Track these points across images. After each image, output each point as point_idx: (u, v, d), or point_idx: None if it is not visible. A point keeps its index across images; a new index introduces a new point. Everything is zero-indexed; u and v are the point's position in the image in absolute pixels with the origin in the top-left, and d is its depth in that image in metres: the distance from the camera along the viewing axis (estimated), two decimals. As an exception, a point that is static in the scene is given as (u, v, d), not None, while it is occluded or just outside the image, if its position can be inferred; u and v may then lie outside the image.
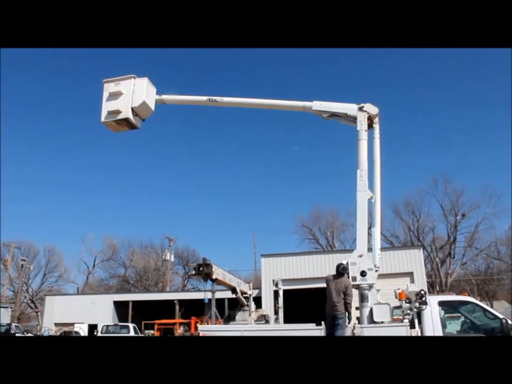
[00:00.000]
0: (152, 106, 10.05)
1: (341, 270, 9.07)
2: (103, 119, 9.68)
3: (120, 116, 9.55)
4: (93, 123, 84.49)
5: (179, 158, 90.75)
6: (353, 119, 9.94)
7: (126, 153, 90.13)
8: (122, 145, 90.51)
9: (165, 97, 10.45)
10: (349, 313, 8.95)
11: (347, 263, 9.09)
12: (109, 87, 9.73)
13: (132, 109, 9.59)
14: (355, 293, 9.18)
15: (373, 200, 9.60)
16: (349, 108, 9.97)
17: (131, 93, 9.60)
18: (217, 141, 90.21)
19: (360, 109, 9.85)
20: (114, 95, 9.62)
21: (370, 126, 9.96)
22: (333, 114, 10.18)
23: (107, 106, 9.66)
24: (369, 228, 9.72)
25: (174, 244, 51.37)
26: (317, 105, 10.16)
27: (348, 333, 8.79)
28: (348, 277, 9.03)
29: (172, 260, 50.56)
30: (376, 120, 10.03)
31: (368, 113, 9.83)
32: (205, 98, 10.65)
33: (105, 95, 9.72)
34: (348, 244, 49.20)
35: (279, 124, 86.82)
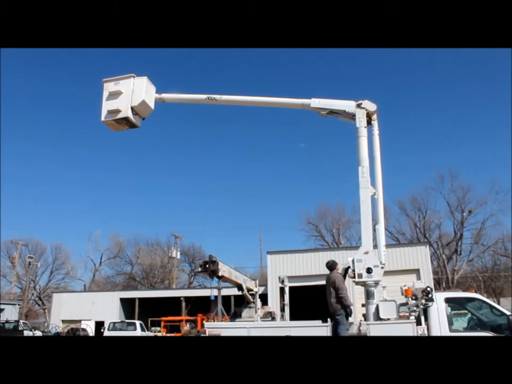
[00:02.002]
0: (152, 105, 10.08)
1: (328, 268, 9.19)
2: (103, 118, 9.73)
3: (120, 115, 9.58)
4: (98, 121, 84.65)
5: (185, 155, 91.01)
6: (352, 116, 9.91)
7: (133, 151, 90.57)
8: (128, 143, 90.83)
9: (164, 96, 10.48)
10: (346, 307, 8.78)
11: (353, 260, 9.09)
12: (109, 87, 9.76)
13: (132, 108, 9.62)
14: (361, 289, 9.18)
15: (375, 196, 9.58)
16: (347, 105, 9.94)
17: (131, 92, 9.63)
18: (222, 139, 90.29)
19: (359, 105, 9.82)
20: (114, 95, 9.66)
21: (369, 122, 9.94)
22: (331, 112, 10.15)
23: (107, 106, 9.70)
24: (375, 224, 9.71)
25: (180, 241, 51.60)
26: (315, 102, 10.12)
27: (354, 329, 8.78)
28: (353, 274, 9.01)
29: (178, 257, 50.74)
30: (375, 117, 10.00)
31: (366, 110, 9.81)
32: (204, 96, 10.68)
33: (105, 94, 9.76)
34: (354, 241, 49.18)
35: (285, 120, 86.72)
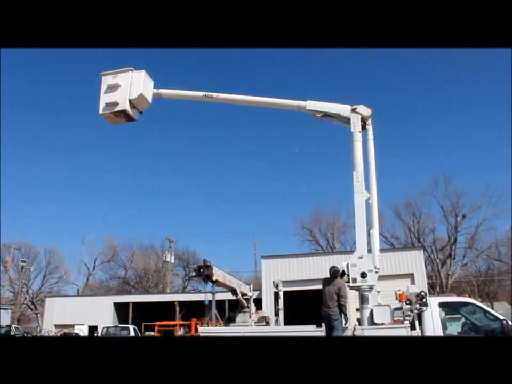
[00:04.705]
0: (150, 99, 10.12)
1: (332, 274, 9.20)
2: (101, 111, 9.75)
3: (118, 108, 9.61)
4: (94, 123, 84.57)
5: (179, 158, 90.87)
6: (347, 120, 9.92)
7: (127, 154, 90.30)
8: (123, 146, 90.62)
9: (162, 91, 10.49)
10: (344, 315, 8.98)
11: (347, 265, 9.08)
12: (107, 80, 9.81)
13: (130, 101, 9.66)
14: (355, 294, 9.18)
15: (370, 201, 9.59)
16: (342, 109, 9.96)
17: (129, 85, 9.68)
18: (217, 142, 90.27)
19: (353, 110, 9.83)
20: (112, 88, 9.70)
21: (363, 127, 9.93)
22: (326, 115, 10.16)
23: (105, 99, 9.73)
24: (369, 229, 9.71)
25: (174, 245, 51.35)
26: (311, 104, 10.14)
27: (348, 334, 8.79)
28: (348, 279, 9.02)
29: (172, 261, 50.53)
30: (369, 121, 10.00)
31: (361, 115, 9.81)
32: (201, 94, 10.69)
33: (103, 87, 9.79)
34: (349, 245, 49.20)
35: (280, 124, 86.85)
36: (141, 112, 10.12)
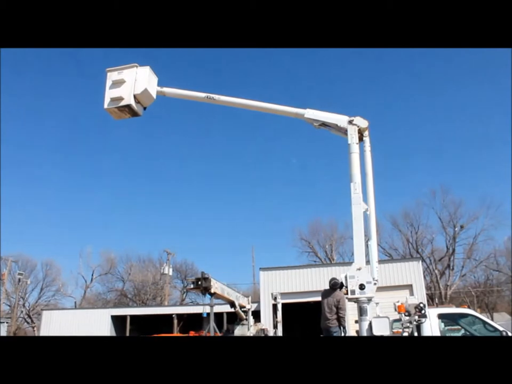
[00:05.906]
0: (154, 94, 10.29)
1: (331, 286, 9.20)
2: (106, 106, 9.93)
3: (123, 103, 9.80)
4: (91, 133, 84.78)
5: (177, 170, 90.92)
6: (344, 131, 9.98)
7: (125, 167, 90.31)
8: (121, 158, 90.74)
9: (165, 89, 10.64)
10: (343, 327, 9.00)
11: (345, 277, 9.06)
12: (112, 76, 10.01)
13: (134, 96, 9.84)
14: (354, 306, 9.14)
15: (368, 212, 9.59)
16: (339, 119, 10.01)
17: (133, 81, 9.88)
18: (214, 153, 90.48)
19: (350, 122, 9.89)
20: (117, 83, 9.90)
21: (360, 139, 9.99)
22: (324, 124, 10.23)
23: (110, 94, 9.92)
24: (367, 240, 9.70)
25: (172, 257, 51.20)
26: (309, 113, 10.20)
27: (347, 346, 8.74)
28: (346, 291, 8.99)
29: (170, 273, 50.36)
30: (366, 133, 10.04)
31: (358, 126, 9.87)
32: (203, 95, 10.81)
33: (108, 83, 10.00)
34: (347, 257, 49.17)
35: (278, 134, 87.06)
36: (145, 108, 10.31)
